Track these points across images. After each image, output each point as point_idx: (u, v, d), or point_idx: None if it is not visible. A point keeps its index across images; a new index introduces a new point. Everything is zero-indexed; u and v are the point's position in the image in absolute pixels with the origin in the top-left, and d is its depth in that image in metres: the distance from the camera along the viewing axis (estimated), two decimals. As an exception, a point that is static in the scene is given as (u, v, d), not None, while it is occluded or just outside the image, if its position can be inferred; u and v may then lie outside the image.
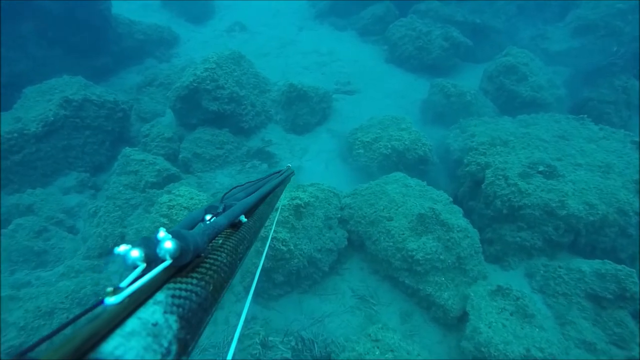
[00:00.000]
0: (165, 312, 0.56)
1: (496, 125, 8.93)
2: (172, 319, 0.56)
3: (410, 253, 6.43)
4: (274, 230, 6.44)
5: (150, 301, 0.57)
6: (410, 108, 12.00)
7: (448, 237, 6.54)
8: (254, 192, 1.43)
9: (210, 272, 0.72)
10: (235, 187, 1.48)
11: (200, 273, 0.70)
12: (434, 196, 7.40)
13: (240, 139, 10.48)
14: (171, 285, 0.63)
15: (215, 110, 9.91)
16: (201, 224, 0.97)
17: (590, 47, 12.72)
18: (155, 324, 0.53)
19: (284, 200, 6.84)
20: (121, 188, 8.35)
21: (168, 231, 0.69)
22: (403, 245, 6.54)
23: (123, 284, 0.58)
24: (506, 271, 7.18)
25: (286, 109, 11.08)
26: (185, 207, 6.78)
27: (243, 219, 1.12)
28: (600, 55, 12.21)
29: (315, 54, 14.17)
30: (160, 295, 0.58)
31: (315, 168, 9.83)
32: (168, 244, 0.66)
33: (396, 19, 14.70)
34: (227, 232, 0.99)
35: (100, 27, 11.52)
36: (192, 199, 6.98)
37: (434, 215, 6.76)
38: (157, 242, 0.67)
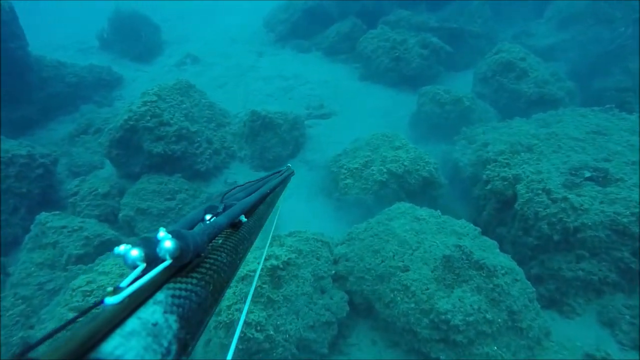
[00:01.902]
0: (165, 312, 0.56)
1: (510, 129, 7.37)
2: (172, 319, 0.56)
3: (443, 316, 4.53)
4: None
5: (150, 301, 0.56)
6: (398, 125, 10.45)
7: (492, 286, 4.70)
8: (254, 192, 1.42)
9: (210, 272, 0.72)
10: (235, 187, 1.49)
11: (200, 273, 0.70)
12: (456, 228, 5.60)
13: (198, 185, 8.56)
14: (171, 285, 0.62)
15: (161, 153, 8.02)
16: (201, 224, 0.96)
17: (582, 38, 11.69)
18: (155, 324, 0.52)
19: (253, 263, 4.94)
20: (33, 269, 6.24)
21: (168, 231, 0.68)
22: (431, 306, 4.65)
23: (123, 284, 0.58)
24: (570, 319, 5.33)
25: (251, 143, 9.31)
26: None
27: (243, 218, 1.11)
28: (594, 44, 11.15)
29: (279, 79, 12.67)
30: (160, 295, 0.58)
31: (294, 210, 7.95)
32: (168, 244, 0.66)
33: (364, 34, 13.49)
34: (227, 232, 0.99)
35: (15, 71, 9.66)
36: (123, 275, 4.93)
37: (464, 256, 4.96)
38: (157, 242, 0.67)
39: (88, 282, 4.62)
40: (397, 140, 7.64)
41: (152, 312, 0.54)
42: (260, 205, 1.39)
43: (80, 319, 0.51)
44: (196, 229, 0.85)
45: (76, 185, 8.03)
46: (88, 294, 4.43)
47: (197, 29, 16.18)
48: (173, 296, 0.60)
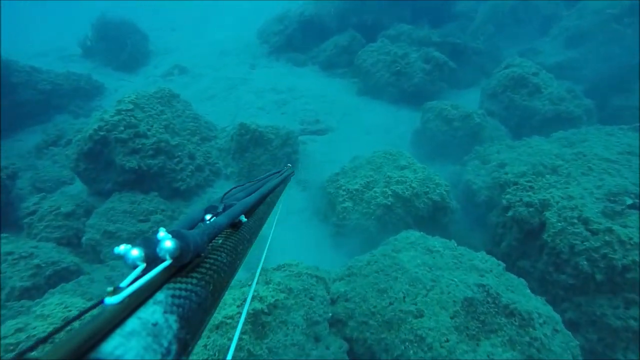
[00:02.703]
0: (165, 312, 0.56)
1: (530, 149, 6.62)
2: (172, 319, 0.56)
3: (469, 379, 3.62)
4: None
5: (150, 301, 0.56)
6: (399, 143, 9.70)
7: (528, 339, 3.82)
8: (254, 192, 1.41)
9: (210, 272, 0.72)
10: (235, 187, 1.48)
11: (200, 273, 0.70)
12: (476, 263, 4.74)
13: (177, 205, 7.64)
14: (171, 285, 0.62)
15: (135, 168, 7.12)
16: (201, 224, 0.96)
17: (591, 56, 11.19)
18: (155, 324, 0.53)
19: (233, 305, 4.02)
20: (-33, 305, 5.18)
21: (168, 231, 0.68)
22: (453, 364, 3.73)
23: (123, 284, 0.57)
24: (618, 378, 4.41)
25: (238, 159, 8.45)
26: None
27: (243, 218, 1.11)
28: (606, 62, 10.63)
29: (272, 92, 11.92)
30: (160, 295, 0.58)
31: (284, 236, 7.04)
32: (168, 244, 0.66)
33: (363, 48, 12.90)
34: (227, 232, 0.99)
35: (-22, 74, 8.80)
36: (67, 318, 3.94)
37: (489, 299, 4.11)
38: (157, 242, 0.67)
39: (17, 331, 3.63)
40: (402, 159, 6.84)
41: (152, 312, 0.54)
42: (260, 206, 1.38)
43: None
44: (196, 229, 0.83)
45: (35, 203, 7.07)
46: (12, 348, 3.44)
47: (187, 40, 15.52)
48: (173, 296, 0.59)
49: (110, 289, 0.55)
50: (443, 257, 4.85)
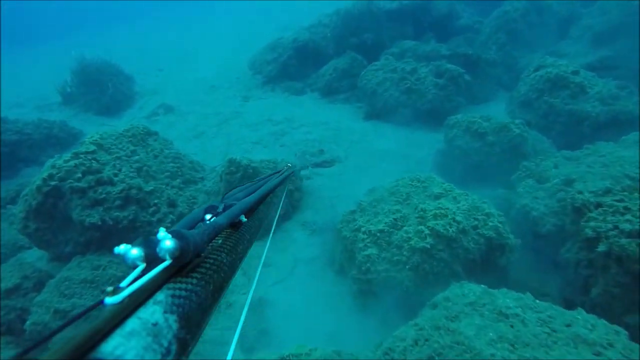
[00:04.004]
0: (165, 312, 0.56)
1: (601, 158, 5.16)
2: (172, 319, 0.56)
3: None
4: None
5: (150, 301, 0.56)
6: (421, 169, 8.26)
7: None
8: (253, 192, 1.40)
9: (210, 272, 0.72)
10: (235, 187, 1.50)
11: (200, 273, 0.70)
12: (579, 331, 3.16)
13: (155, 265, 6.12)
14: (171, 285, 0.62)
15: (99, 224, 5.70)
16: (201, 224, 0.96)
17: (626, 52, 9.90)
18: (155, 324, 0.53)
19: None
20: None
21: (168, 231, 0.68)
22: None
23: (123, 284, 0.58)
24: None
25: (230, 201, 7.00)
26: None
27: (243, 218, 1.11)
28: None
29: (268, 124, 10.68)
30: (160, 295, 0.58)
31: (289, 300, 5.49)
32: (168, 243, 0.66)
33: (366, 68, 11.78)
34: (227, 231, 0.98)
35: None
36: None
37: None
38: (157, 242, 0.67)
39: None
40: (434, 185, 5.37)
41: (152, 312, 0.54)
42: (260, 206, 1.36)
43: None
44: (196, 229, 0.83)
45: (-30, 278, 5.61)
46: None
47: (175, 78, 14.59)
48: (173, 296, 0.59)
49: (110, 289, 0.55)
50: (526, 325, 3.26)
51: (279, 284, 6.04)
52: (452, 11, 14.92)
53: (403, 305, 4.50)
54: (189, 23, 25.74)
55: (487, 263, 4.72)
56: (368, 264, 4.77)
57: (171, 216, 6.52)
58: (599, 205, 4.29)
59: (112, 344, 0.46)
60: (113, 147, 6.45)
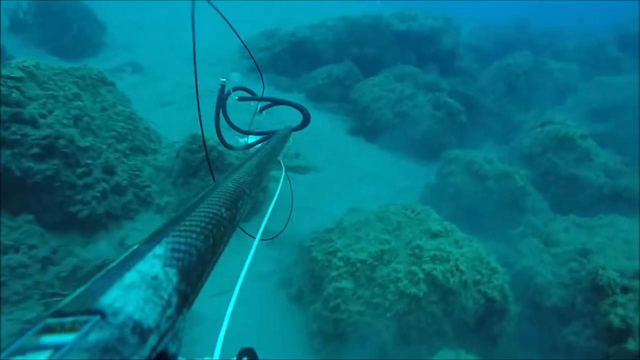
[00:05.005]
0: (164, 266, 0.53)
1: (622, 233, 4.49)
2: (172, 272, 0.54)
3: None
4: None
5: (149, 255, 0.54)
6: (405, 199, 7.44)
7: None
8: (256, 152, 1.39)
9: (209, 227, 0.69)
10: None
11: (200, 227, 0.67)
12: None
13: (66, 240, 4.84)
14: (170, 239, 0.60)
15: (6, 172, 4.32)
16: None
17: (622, 133, 9.78)
18: (154, 277, 0.51)
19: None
20: None
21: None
22: None
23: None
24: None
25: (181, 185, 5.83)
26: None
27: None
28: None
29: (244, 113, 9.43)
30: (159, 249, 0.56)
31: (235, 316, 4.34)
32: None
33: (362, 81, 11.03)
34: (226, 185, 0.95)
35: None
36: None
37: None
38: None
39: None
40: (432, 221, 4.49)
41: (151, 265, 0.52)
42: (262, 159, 1.32)
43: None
44: None
45: None
46: None
47: (153, 39, 13.14)
48: (172, 250, 0.57)
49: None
50: None
51: (220, 297, 4.88)
52: (455, 50, 14.69)
53: (375, 364, 3.51)
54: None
55: (480, 328, 3.85)
56: (339, 300, 3.75)
57: (104, 184, 5.20)
58: (626, 289, 3.56)
59: (111, 296, 0.44)
60: (50, 82, 5.09)
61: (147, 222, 5.77)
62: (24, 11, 10.87)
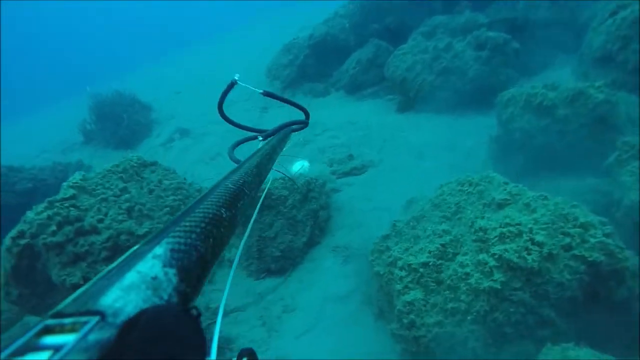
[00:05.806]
0: (164, 266, 0.55)
1: None
2: (172, 272, 0.55)
3: None
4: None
5: (149, 255, 0.56)
6: (472, 163, 6.68)
7: None
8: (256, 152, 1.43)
9: (209, 227, 0.70)
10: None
11: (200, 227, 0.69)
12: None
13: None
14: (170, 239, 0.61)
15: (81, 285, 4.75)
16: None
17: None
18: (154, 278, 0.52)
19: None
20: None
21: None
22: None
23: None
24: None
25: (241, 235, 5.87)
26: None
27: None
28: None
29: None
30: (159, 250, 0.58)
31: (317, 352, 4.23)
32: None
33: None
34: (226, 186, 0.98)
35: None
36: None
37: None
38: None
39: None
40: (494, 188, 3.85)
41: (151, 266, 0.53)
42: (262, 159, 1.35)
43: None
44: None
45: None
46: None
47: (191, 100, 13.90)
48: (172, 250, 0.58)
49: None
50: None
51: (306, 335, 4.77)
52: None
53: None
54: (202, 47, 25.47)
55: (595, 300, 3.14)
56: (412, 316, 3.36)
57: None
58: None
59: (111, 297, 0.44)
60: (98, 187, 5.54)
61: (223, 277, 5.96)
62: (89, 122, 12.32)
